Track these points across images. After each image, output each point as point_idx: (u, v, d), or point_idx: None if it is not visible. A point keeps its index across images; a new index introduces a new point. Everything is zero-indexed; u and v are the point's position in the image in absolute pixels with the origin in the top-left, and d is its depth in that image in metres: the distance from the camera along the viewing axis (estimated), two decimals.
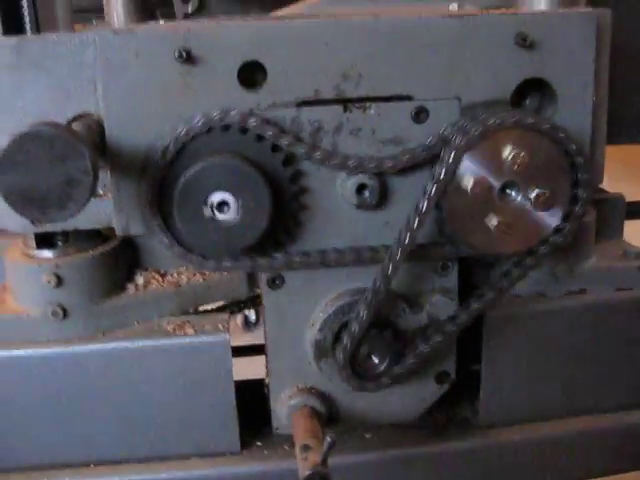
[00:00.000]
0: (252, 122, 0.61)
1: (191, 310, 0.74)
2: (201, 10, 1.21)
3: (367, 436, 0.77)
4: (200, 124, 0.61)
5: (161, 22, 1.17)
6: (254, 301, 0.79)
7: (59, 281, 0.68)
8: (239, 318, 2.18)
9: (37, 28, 0.65)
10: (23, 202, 0.52)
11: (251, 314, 2.17)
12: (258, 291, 0.74)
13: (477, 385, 0.77)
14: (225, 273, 0.73)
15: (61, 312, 0.69)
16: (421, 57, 0.64)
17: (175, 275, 0.74)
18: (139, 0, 1.03)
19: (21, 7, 0.65)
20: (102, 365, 0.70)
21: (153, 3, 1.17)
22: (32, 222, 0.56)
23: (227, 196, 0.60)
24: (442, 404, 0.77)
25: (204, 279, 0.74)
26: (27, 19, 0.66)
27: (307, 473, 0.61)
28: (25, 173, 0.52)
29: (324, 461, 0.61)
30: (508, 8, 0.75)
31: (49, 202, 0.52)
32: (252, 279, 0.74)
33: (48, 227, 0.66)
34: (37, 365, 0.70)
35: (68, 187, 0.52)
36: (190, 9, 1.21)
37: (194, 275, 0.74)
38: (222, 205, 0.60)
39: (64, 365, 0.70)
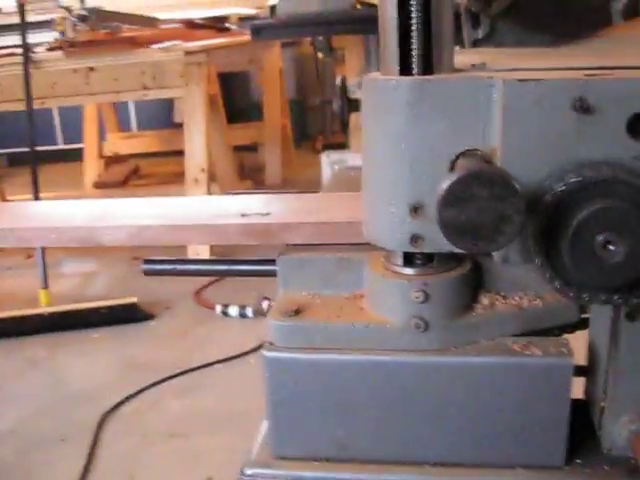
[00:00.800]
0: (635, 173, 0.66)
1: (528, 332, 0.80)
2: (491, 36, 1.27)
3: None
4: (590, 176, 0.66)
5: (456, 48, 1.24)
6: (581, 326, 0.84)
7: (426, 297, 0.75)
8: None
9: (427, 68, 0.72)
10: (458, 234, 0.60)
11: None
12: (585, 316, 0.81)
13: None
14: (562, 299, 0.78)
15: (423, 325, 0.76)
16: None
17: (517, 298, 0.80)
18: None
19: (412, 49, 0.72)
20: (452, 376, 0.77)
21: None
22: (466, 251, 0.63)
23: (614, 236, 0.65)
24: None
25: (544, 304, 0.80)
26: (417, 59, 0.72)
27: None
28: (464, 209, 0.60)
29: None
30: None
31: (482, 235, 0.60)
32: (582, 305, 0.80)
33: (425, 249, 0.74)
34: (396, 371, 0.78)
35: (501, 223, 0.59)
36: (480, 35, 1.28)
37: (534, 299, 0.80)
38: (609, 244, 0.66)
39: (420, 373, 0.78)
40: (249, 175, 4.99)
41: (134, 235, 0.91)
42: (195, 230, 0.91)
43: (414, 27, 0.71)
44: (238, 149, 5.00)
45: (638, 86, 0.67)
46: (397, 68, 0.73)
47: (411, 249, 0.75)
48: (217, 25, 4.62)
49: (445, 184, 0.60)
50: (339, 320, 0.80)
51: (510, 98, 0.68)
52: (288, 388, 0.80)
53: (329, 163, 3.12)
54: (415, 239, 0.74)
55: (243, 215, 0.92)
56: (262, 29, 2.56)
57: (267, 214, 0.92)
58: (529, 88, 0.67)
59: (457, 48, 1.33)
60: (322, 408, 0.80)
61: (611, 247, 0.66)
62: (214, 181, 4.00)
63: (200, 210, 0.99)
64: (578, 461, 0.81)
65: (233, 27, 4.77)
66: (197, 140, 3.53)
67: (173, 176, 4.55)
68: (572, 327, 0.83)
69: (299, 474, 0.82)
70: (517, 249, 0.71)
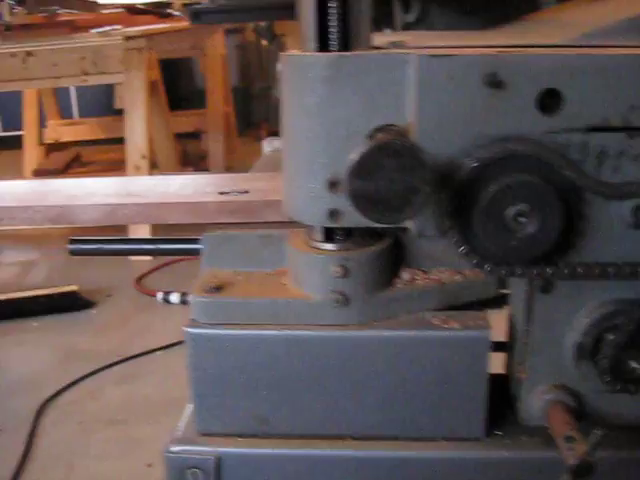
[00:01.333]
0: (545, 148, 0.68)
1: (448, 306, 0.81)
2: (422, 20, 1.28)
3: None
4: (503, 148, 0.68)
5: (386, 31, 1.25)
6: (502, 301, 0.85)
7: (345, 272, 0.76)
8: None
9: (345, 45, 0.73)
10: (368, 204, 0.61)
11: None
12: (504, 292, 0.82)
13: None
14: (481, 274, 0.80)
15: (343, 300, 0.77)
16: None
17: (437, 274, 0.81)
18: None
19: (330, 26, 0.73)
20: (373, 350, 0.78)
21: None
22: (375, 222, 0.64)
23: (525, 208, 0.67)
24: None
25: (463, 279, 0.81)
26: (335, 36, 0.73)
27: (576, 462, 0.67)
28: (372, 179, 0.61)
29: (591, 452, 0.68)
30: None
31: (391, 206, 0.61)
32: (502, 280, 0.81)
33: (343, 223, 0.75)
34: (316, 346, 0.79)
35: (409, 194, 0.60)
36: (411, 18, 1.28)
37: (454, 274, 0.81)
38: (519, 216, 0.67)
39: (340, 348, 0.79)
40: (192, 162, 4.95)
41: (109, 214, 0.91)
42: (173, 208, 0.91)
43: (332, 4, 0.72)
44: (181, 136, 4.97)
45: (547, 62, 0.68)
46: (315, 44, 0.73)
47: (329, 224, 0.75)
48: (159, 11, 4.58)
49: (354, 155, 0.61)
50: (260, 296, 0.80)
51: (424, 73, 0.69)
52: (211, 364, 0.81)
53: (271, 149, 3.12)
54: (333, 214, 0.74)
55: (221, 193, 0.92)
56: (201, 13, 2.53)
57: (246, 192, 0.92)
58: (442, 63, 0.68)
59: (389, 31, 1.34)
60: (245, 384, 0.81)
61: (522, 220, 0.67)
62: (156, 168, 3.97)
63: (176, 188, 0.99)
64: (498, 433, 0.83)
65: (176, 13, 4.73)
66: (138, 126, 3.49)
67: (115, 163, 4.50)
68: (494, 302, 0.85)
69: (223, 450, 0.82)
70: (432, 222, 0.72)
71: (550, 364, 0.78)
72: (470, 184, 0.68)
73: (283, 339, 0.79)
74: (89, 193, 0.97)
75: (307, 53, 0.73)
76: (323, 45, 0.73)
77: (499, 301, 0.84)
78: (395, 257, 0.81)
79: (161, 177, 1.07)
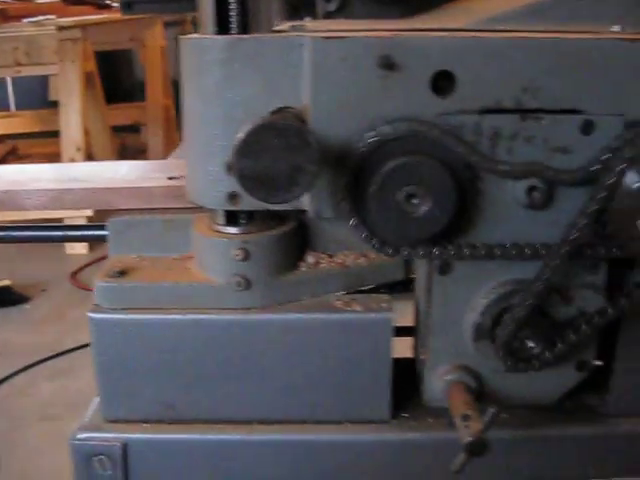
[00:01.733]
0: (439, 129, 0.69)
1: (353, 290, 0.82)
2: (343, 9, 1.28)
3: (503, 415, 0.84)
4: (396, 130, 0.68)
5: (307, 19, 1.25)
6: (407, 284, 0.86)
7: (246, 255, 0.76)
8: None
9: (244, 29, 0.72)
10: (254, 184, 0.61)
11: None
12: (412, 276, 0.83)
13: (604, 376, 0.83)
14: (386, 258, 0.80)
15: (244, 283, 0.77)
16: (591, 75, 0.70)
17: (342, 257, 0.82)
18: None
19: (230, 10, 0.73)
20: (276, 333, 0.79)
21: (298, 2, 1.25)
22: (263, 201, 0.64)
23: (417, 190, 0.67)
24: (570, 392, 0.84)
25: (368, 262, 0.81)
26: (235, 20, 0.73)
27: (470, 439, 0.68)
28: (258, 159, 0.61)
29: (485, 430, 0.69)
30: None
31: (277, 186, 0.61)
32: (408, 264, 0.82)
33: (243, 206, 0.75)
34: (220, 329, 0.79)
35: (295, 173, 0.60)
36: (333, 7, 1.28)
37: (359, 258, 0.82)
38: (412, 197, 0.68)
39: (243, 331, 0.79)
40: (131, 156, 4.90)
41: (55, 199, 0.90)
42: (119, 193, 0.90)
43: None
44: (120, 129, 4.91)
45: (440, 45, 0.69)
46: (213, 28, 0.73)
47: (229, 207, 0.75)
48: (97, 1, 4.51)
49: (240, 135, 0.61)
50: (164, 280, 0.80)
51: (317, 55, 0.69)
52: (115, 350, 0.80)
53: None
54: (232, 197, 0.74)
55: (170, 178, 0.92)
56: (133, 3, 2.50)
57: None
58: (334, 45, 0.69)
59: (309, 19, 1.33)
60: (149, 369, 0.80)
61: (414, 201, 0.68)
62: (92, 161, 3.92)
63: (123, 174, 0.98)
64: (405, 415, 0.84)
65: (114, 4, 4.67)
66: (73, 118, 3.45)
67: (53, 156, 4.43)
68: (401, 286, 0.85)
69: (129, 436, 0.82)
70: (329, 204, 0.72)
71: (450, 345, 0.79)
72: (363, 165, 0.69)
73: (186, 323, 0.78)
74: (33, 179, 0.96)
75: (204, 36, 0.73)
76: (222, 29, 0.73)
77: (407, 285, 0.85)
78: (300, 241, 0.81)
79: (107, 163, 1.06)
